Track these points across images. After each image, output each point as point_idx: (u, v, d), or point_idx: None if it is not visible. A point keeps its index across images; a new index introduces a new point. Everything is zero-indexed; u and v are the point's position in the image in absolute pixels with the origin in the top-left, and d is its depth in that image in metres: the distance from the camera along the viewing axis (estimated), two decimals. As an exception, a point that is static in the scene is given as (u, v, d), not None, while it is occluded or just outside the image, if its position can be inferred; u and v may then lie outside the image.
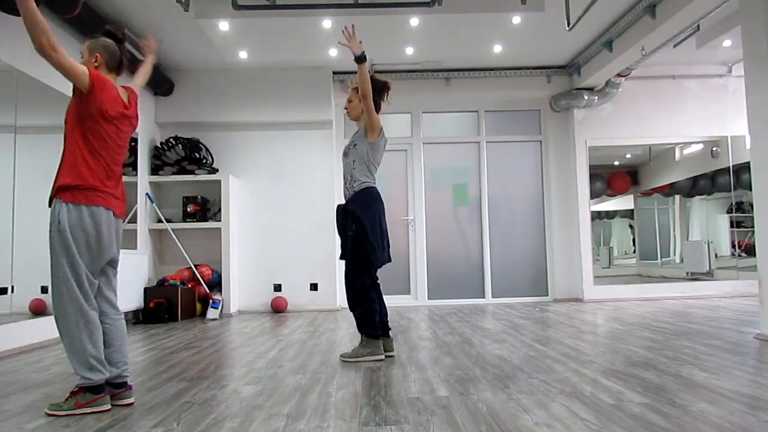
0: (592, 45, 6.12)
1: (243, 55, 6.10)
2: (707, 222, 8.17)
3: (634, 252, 9.16)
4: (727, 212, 7.71)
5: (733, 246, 7.68)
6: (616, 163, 8.56)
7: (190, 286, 5.99)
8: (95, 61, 2.38)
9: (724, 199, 7.63)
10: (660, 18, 5.01)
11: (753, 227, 4.22)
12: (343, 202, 3.41)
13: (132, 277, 5.49)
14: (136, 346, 4.06)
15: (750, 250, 7.10)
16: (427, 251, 6.90)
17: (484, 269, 6.86)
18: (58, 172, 2.40)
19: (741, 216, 7.47)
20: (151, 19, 5.21)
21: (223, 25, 5.27)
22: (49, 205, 2.36)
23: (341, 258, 3.38)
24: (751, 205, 4.24)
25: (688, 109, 6.92)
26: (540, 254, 6.95)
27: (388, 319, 3.44)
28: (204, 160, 6.39)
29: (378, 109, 3.36)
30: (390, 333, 3.43)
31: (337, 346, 3.84)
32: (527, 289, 6.86)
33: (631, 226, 9.30)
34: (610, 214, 9.34)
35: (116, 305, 2.46)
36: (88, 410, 2.23)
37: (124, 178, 2.47)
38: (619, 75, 6.42)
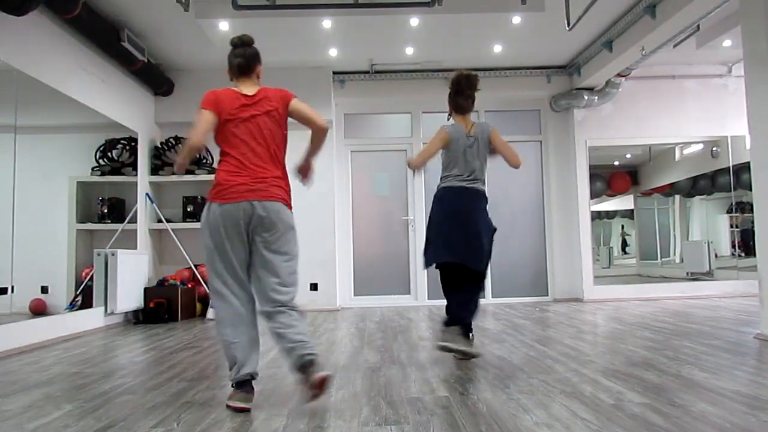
0: (592, 45, 6.12)
1: (243, 55, 6.09)
2: (707, 222, 8.17)
3: (625, 252, 9.17)
4: (727, 212, 7.71)
5: (733, 246, 7.69)
6: (616, 163, 8.56)
7: (190, 286, 5.99)
8: (230, 77, 2.53)
9: (724, 199, 7.63)
10: (660, 18, 5.01)
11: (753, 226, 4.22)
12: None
13: (132, 277, 5.49)
14: (136, 346, 4.06)
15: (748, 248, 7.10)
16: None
17: (484, 269, 6.86)
18: (277, 174, 2.45)
19: (749, 216, 7.47)
20: (151, 19, 5.21)
21: (223, 25, 5.27)
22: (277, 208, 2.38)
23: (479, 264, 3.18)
24: (751, 205, 4.24)
25: (688, 109, 6.92)
26: (540, 254, 6.95)
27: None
28: (204, 160, 6.39)
29: (462, 109, 3.32)
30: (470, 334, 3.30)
31: (336, 346, 3.84)
32: (527, 289, 6.86)
33: (623, 227, 9.31)
34: (610, 214, 9.34)
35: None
36: None
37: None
38: (619, 75, 6.42)
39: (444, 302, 3.43)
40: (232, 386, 2.30)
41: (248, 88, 2.46)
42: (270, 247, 2.32)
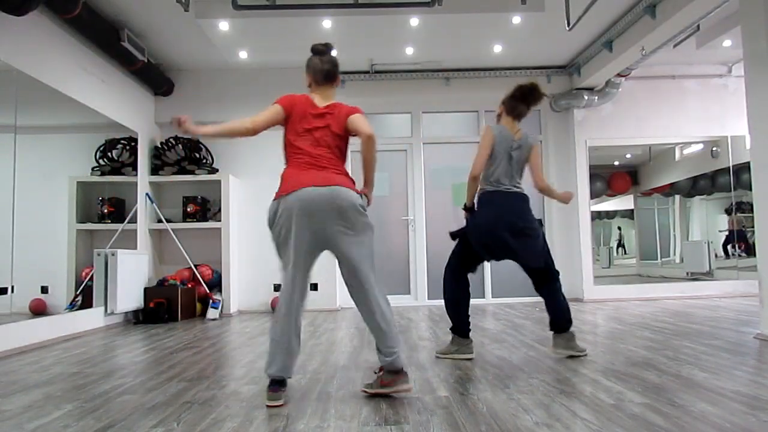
0: (592, 45, 6.12)
1: (243, 55, 6.10)
2: (707, 222, 8.17)
3: (625, 252, 9.18)
4: (727, 212, 7.71)
5: (733, 246, 7.69)
6: (616, 163, 8.57)
7: (190, 286, 5.98)
8: (308, 82, 2.56)
9: (724, 199, 7.63)
10: (660, 18, 5.01)
11: (753, 227, 4.22)
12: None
13: (132, 277, 5.49)
14: (136, 346, 4.06)
15: (749, 250, 7.11)
16: (427, 251, 6.90)
17: (483, 269, 6.86)
18: (342, 172, 2.46)
19: (741, 216, 7.47)
20: (151, 19, 5.21)
21: (223, 25, 5.27)
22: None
23: (538, 261, 3.22)
24: (751, 205, 4.24)
25: (688, 109, 6.91)
26: (540, 254, 6.93)
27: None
28: (204, 160, 6.39)
29: (519, 116, 3.30)
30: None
31: (336, 346, 3.84)
32: (527, 289, 6.77)
33: (619, 228, 9.33)
34: (610, 214, 9.35)
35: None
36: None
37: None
38: (619, 75, 6.42)
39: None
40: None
41: (324, 99, 2.50)
42: None
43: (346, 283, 2.48)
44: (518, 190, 3.24)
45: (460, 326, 3.33)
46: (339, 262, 2.48)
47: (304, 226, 2.36)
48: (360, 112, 2.49)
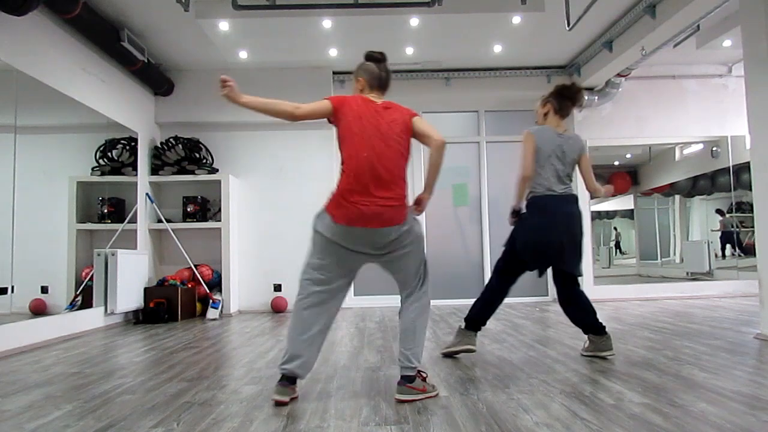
0: (592, 45, 6.12)
1: (243, 55, 6.10)
2: (707, 222, 8.17)
3: (622, 253, 9.19)
4: (728, 212, 7.72)
5: (732, 246, 7.69)
6: (616, 163, 8.57)
7: (190, 286, 5.98)
8: (360, 85, 2.58)
9: (724, 199, 7.63)
10: (660, 18, 5.01)
11: (753, 227, 4.22)
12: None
13: (132, 277, 5.49)
14: (136, 346, 4.05)
15: (750, 250, 7.11)
16: (427, 251, 6.89)
17: (484, 269, 6.86)
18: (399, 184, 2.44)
19: (741, 216, 7.48)
20: (151, 19, 5.21)
21: (223, 25, 5.27)
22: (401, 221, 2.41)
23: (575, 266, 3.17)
24: (751, 205, 4.24)
25: (688, 109, 6.92)
26: (540, 254, 6.94)
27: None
28: (204, 160, 6.39)
29: (565, 114, 3.27)
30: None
31: (337, 346, 3.84)
32: (527, 289, 6.85)
33: (615, 228, 9.33)
34: (610, 214, 9.35)
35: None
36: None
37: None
38: (619, 75, 6.42)
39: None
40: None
41: (377, 98, 2.53)
42: None
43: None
44: (569, 192, 3.18)
45: (476, 321, 3.29)
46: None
47: (350, 251, 2.42)
48: (418, 115, 2.53)
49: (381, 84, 2.57)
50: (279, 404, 2.32)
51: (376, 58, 2.61)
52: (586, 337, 3.31)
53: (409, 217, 2.45)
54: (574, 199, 3.20)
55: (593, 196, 3.38)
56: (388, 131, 2.40)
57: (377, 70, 2.57)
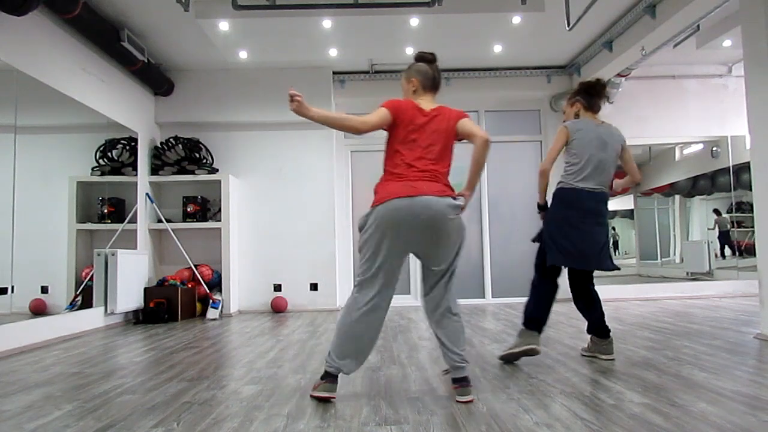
0: (592, 45, 6.12)
1: (243, 55, 6.10)
2: (707, 222, 8.17)
3: (615, 254, 9.18)
4: (727, 212, 7.72)
5: (731, 247, 7.69)
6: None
7: (190, 286, 5.98)
8: (412, 86, 2.59)
9: (724, 199, 7.63)
10: (660, 18, 5.01)
11: (753, 227, 4.23)
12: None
13: (132, 277, 5.49)
14: (136, 346, 4.06)
15: (750, 250, 7.11)
16: (427, 251, 6.89)
17: (484, 269, 6.86)
18: (445, 178, 2.49)
19: (741, 216, 7.48)
20: (151, 19, 5.21)
21: (223, 25, 5.27)
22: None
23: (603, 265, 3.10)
24: (751, 205, 4.24)
25: (688, 109, 6.92)
26: (540, 254, 6.94)
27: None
28: (204, 160, 6.39)
29: (595, 109, 3.24)
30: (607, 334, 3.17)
31: (337, 346, 3.83)
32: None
33: (613, 228, 9.32)
34: (610, 214, 9.34)
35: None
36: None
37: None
38: (619, 75, 6.41)
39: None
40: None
41: (428, 104, 2.53)
42: None
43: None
44: (603, 189, 3.15)
45: (534, 320, 3.21)
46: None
47: (402, 235, 2.48)
48: (468, 117, 2.53)
49: (434, 85, 2.61)
50: (324, 400, 2.36)
51: (427, 59, 2.63)
52: (588, 337, 3.31)
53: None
54: (607, 197, 3.17)
55: (635, 185, 3.38)
56: (435, 139, 2.44)
57: (430, 71, 2.60)
